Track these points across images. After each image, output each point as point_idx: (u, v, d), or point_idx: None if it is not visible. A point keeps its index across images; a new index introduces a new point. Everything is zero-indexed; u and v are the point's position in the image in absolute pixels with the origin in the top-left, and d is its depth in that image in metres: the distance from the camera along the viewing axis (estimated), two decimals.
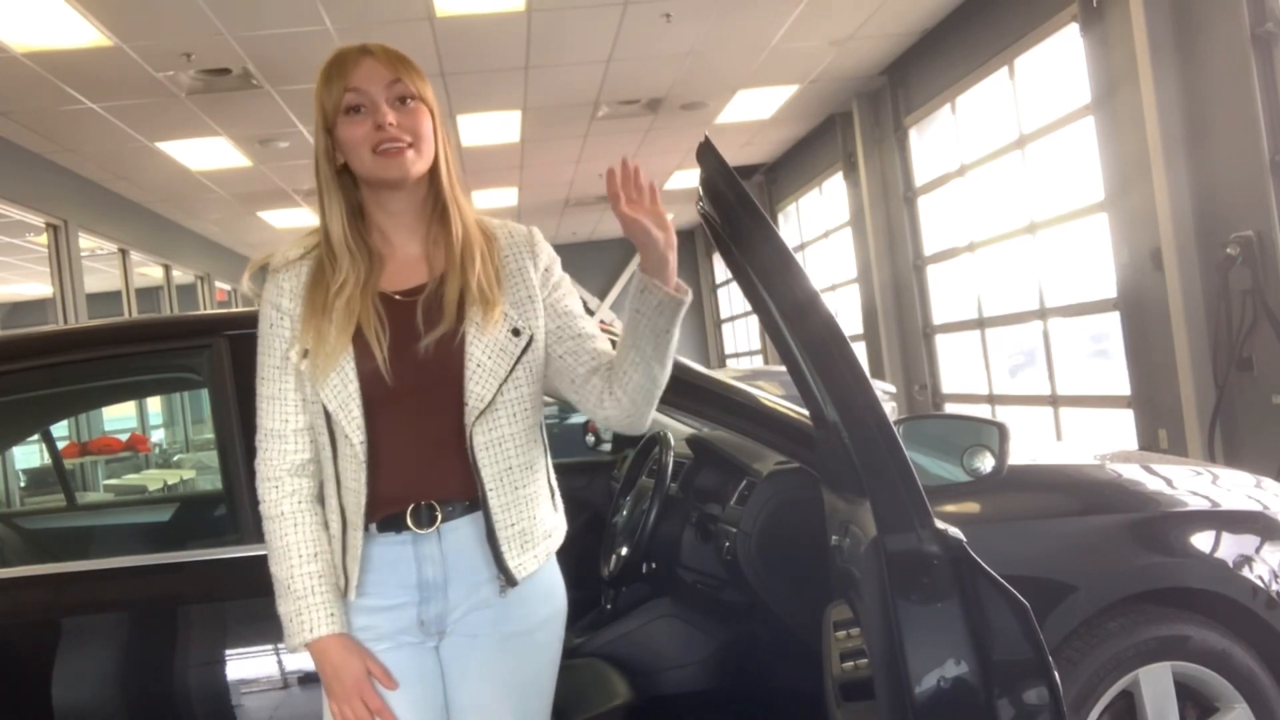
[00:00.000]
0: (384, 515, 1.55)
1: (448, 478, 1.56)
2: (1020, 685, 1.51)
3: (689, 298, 1.56)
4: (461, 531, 1.57)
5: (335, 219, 1.57)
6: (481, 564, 1.58)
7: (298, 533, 1.55)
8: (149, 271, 10.82)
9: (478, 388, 1.53)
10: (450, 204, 1.59)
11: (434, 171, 1.59)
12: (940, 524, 1.53)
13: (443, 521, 1.56)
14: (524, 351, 1.57)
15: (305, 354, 1.54)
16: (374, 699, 1.52)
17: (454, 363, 1.53)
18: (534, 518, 1.60)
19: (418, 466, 1.55)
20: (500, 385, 1.55)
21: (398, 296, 1.57)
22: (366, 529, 1.55)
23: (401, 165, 1.53)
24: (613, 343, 1.73)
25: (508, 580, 1.56)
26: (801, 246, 11.81)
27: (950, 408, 8.45)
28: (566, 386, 1.65)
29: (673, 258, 1.53)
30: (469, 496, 1.56)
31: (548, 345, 1.63)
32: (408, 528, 1.55)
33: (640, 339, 1.55)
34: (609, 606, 2.82)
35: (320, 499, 1.59)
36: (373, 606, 1.57)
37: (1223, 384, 5.15)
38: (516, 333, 1.58)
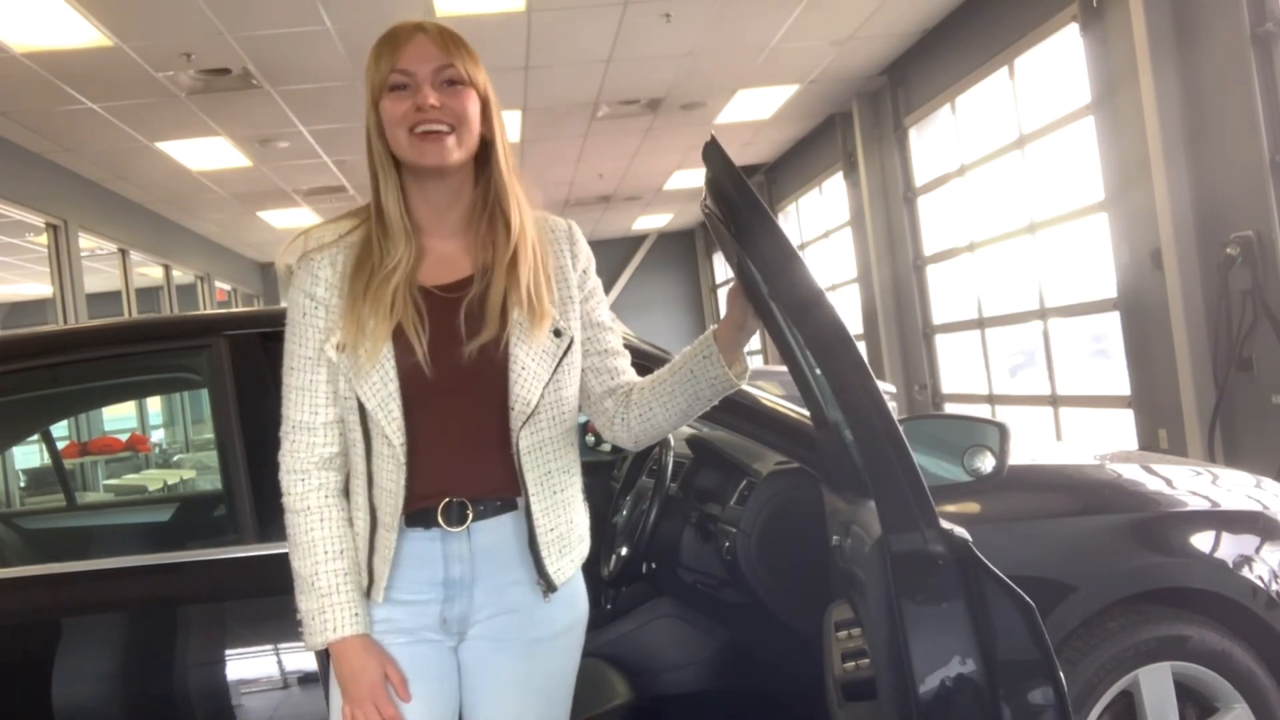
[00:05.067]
0: (414, 510, 1.51)
1: (484, 477, 1.53)
2: (1025, 685, 1.51)
3: (743, 384, 1.61)
4: (491, 532, 1.54)
5: (392, 198, 1.51)
6: (510, 566, 1.55)
7: (324, 528, 1.50)
8: (149, 271, 10.82)
9: (524, 391, 1.50)
10: (509, 200, 1.54)
11: (488, 162, 1.54)
12: (946, 524, 1.53)
13: (474, 520, 1.52)
14: (565, 353, 1.55)
15: (341, 347, 1.48)
16: (388, 707, 1.48)
17: (497, 365, 1.50)
18: (570, 522, 1.59)
19: (454, 465, 1.52)
20: (544, 388, 1.52)
21: (438, 291, 1.52)
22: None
23: (440, 151, 1.47)
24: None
25: (548, 586, 1.54)
26: (802, 246, 11.81)
27: (950, 408, 8.45)
28: (582, 400, 1.65)
29: (746, 341, 1.61)
30: (502, 496, 1.54)
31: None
32: (437, 524, 1.51)
33: (678, 395, 1.60)
34: (609, 606, 2.82)
35: (346, 493, 1.55)
36: (395, 601, 1.53)
37: (1223, 384, 5.15)
38: (558, 334, 1.54)
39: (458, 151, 1.49)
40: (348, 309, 1.48)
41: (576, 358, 1.58)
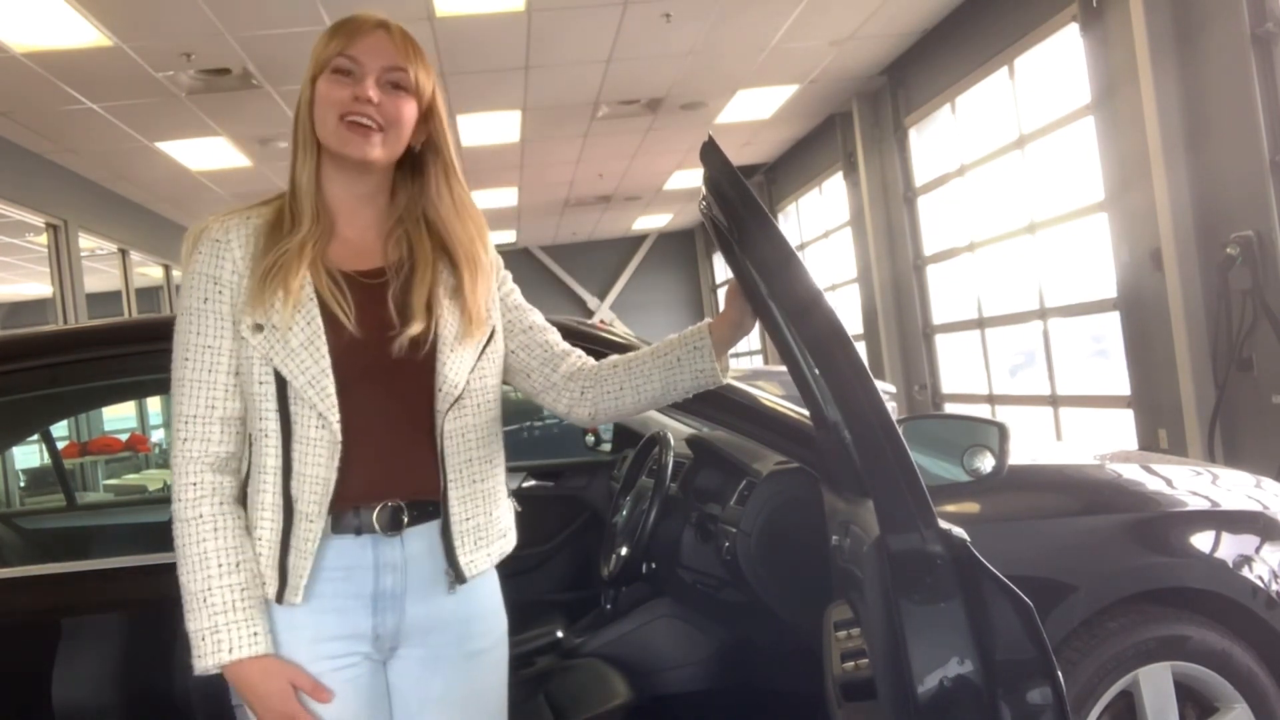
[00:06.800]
0: (345, 511, 1.43)
1: (415, 474, 1.46)
2: (1024, 685, 1.51)
3: (725, 380, 1.61)
4: (424, 538, 1.47)
5: (306, 170, 1.48)
6: (441, 575, 1.49)
7: (218, 539, 1.39)
8: (149, 271, 10.83)
9: (451, 374, 1.46)
10: (453, 215, 1.51)
11: (419, 170, 1.52)
12: (944, 524, 1.53)
13: (408, 525, 1.45)
14: (488, 342, 1.53)
15: (258, 328, 1.40)
16: (306, 718, 1.40)
17: (425, 350, 1.45)
18: (490, 514, 1.53)
19: (389, 457, 1.45)
20: (469, 374, 1.49)
21: (358, 276, 1.46)
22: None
23: (363, 145, 1.44)
24: (604, 344, 1.74)
25: (456, 576, 1.47)
26: (801, 246, 11.80)
27: (950, 408, 8.45)
28: (521, 380, 1.63)
29: (739, 340, 1.60)
30: (432, 498, 1.47)
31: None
32: (372, 530, 1.43)
33: (655, 380, 1.60)
34: (609, 606, 2.82)
35: (242, 500, 1.45)
36: (320, 619, 1.43)
37: (1223, 384, 5.15)
38: None
39: (380, 149, 1.45)
40: (258, 285, 1.41)
41: (499, 347, 1.56)
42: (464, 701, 1.53)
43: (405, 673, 1.50)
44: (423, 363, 1.45)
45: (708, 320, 1.62)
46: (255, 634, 1.39)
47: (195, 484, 1.41)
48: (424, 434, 1.47)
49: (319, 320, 1.41)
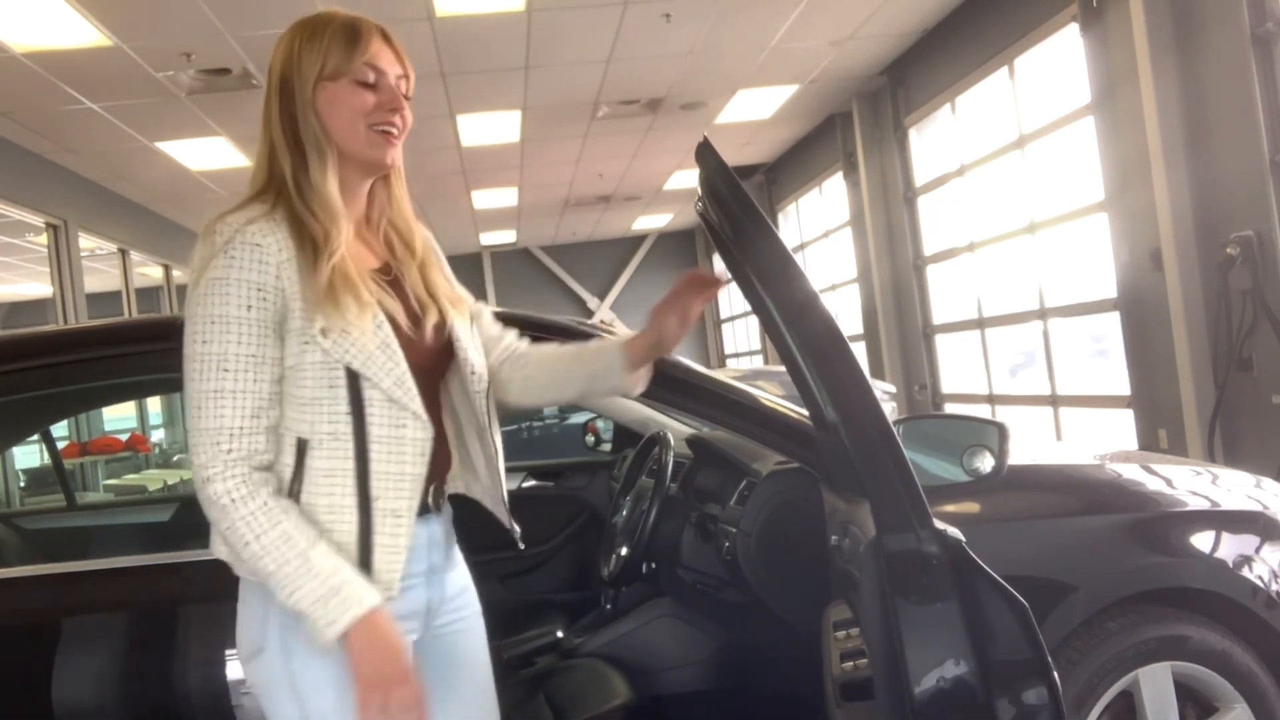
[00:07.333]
0: None
1: (443, 456, 1.57)
2: (1019, 685, 1.51)
3: (639, 391, 1.67)
4: (446, 514, 1.61)
5: (326, 174, 1.46)
6: (453, 545, 1.64)
7: (289, 518, 1.37)
8: (149, 271, 10.83)
9: (475, 358, 1.58)
10: (408, 210, 1.60)
11: (392, 174, 1.59)
12: (939, 524, 1.53)
13: (444, 501, 1.59)
14: (474, 324, 1.65)
15: (326, 332, 1.40)
16: (420, 684, 1.39)
17: (446, 341, 1.56)
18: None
19: (447, 442, 1.58)
20: (478, 352, 1.61)
21: (381, 276, 1.52)
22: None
23: (392, 152, 1.51)
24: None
25: (517, 534, 1.65)
26: (801, 246, 11.82)
27: (950, 408, 8.46)
28: None
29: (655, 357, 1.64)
30: (448, 474, 1.60)
31: None
32: (427, 510, 1.52)
33: (574, 387, 1.68)
34: (609, 606, 2.82)
35: None
36: (392, 601, 1.46)
37: (1223, 384, 5.15)
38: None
39: (397, 153, 1.53)
40: (325, 296, 1.40)
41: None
42: (485, 655, 1.65)
43: (435, 640, 1.58)
44: (445, 349, 1.56)
45: (625, 337, 1.63)
46: (369, 584, 1.39)
47: (245, 480, 1.38)
48: (437, 415, 1.56)
49: (387, 325, 1.46)
